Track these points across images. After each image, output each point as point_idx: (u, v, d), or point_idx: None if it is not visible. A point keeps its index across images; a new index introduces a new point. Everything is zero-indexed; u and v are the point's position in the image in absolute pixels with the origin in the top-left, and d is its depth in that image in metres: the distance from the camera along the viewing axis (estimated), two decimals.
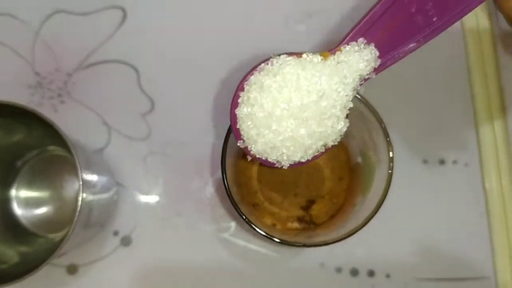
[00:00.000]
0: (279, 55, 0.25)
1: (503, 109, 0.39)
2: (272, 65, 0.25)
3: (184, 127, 0.38)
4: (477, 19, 0.40)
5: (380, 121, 0.30)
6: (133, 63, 0.39)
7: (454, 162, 0.39)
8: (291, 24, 0.40)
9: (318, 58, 0.25)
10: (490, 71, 0.39)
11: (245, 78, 0.25)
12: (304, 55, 0.25)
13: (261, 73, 0.25)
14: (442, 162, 0.39)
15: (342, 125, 0.26)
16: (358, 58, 0.25)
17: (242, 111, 0.25)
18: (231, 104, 0.26)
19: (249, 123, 0.25)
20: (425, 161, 0.39)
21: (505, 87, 0.39)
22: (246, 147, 0.26)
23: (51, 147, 0.36)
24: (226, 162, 0.29)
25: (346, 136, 0.35)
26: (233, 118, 0.26)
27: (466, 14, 0.24)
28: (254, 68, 0.25)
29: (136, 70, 0.39)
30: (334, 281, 0.37)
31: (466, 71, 0.40)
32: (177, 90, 0.39)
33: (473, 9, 0.24)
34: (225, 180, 0.28)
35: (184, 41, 0.39)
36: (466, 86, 0.40)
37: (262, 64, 0.25)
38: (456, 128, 0.39)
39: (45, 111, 0.37)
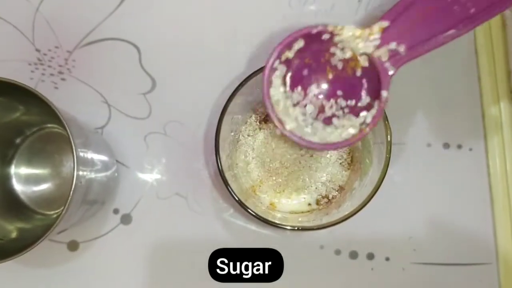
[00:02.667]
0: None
1: (510, 93, 0.38)
2: None
3: (185, 106, 0.38)
4: None
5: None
6: (135, 41, 0.38)
7: (459, 146, 0.38)
8: (295, 3, 0.39)
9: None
10: (498, 53, 0.38)
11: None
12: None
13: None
14: (446, 146, 0.38)
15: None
16: None
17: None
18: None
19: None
20: (429, 145, 0.38)
21: None
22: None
23: (50, 125, 0.36)
24: (221, 146, 0.29)
25: None
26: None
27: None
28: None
29: (137, 48, 0.38)
30: (333, 263, 0.37)
31: (474, 54, 0.39)
32: (178, 69, 0.38)
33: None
34: (219, 163, 0.28)
35: (186, 19, 0.39)
36: (473, 69, 0.39)
37: None
38: (462, 112, 0.39)
39: (46, 88, 0.38)
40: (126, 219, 0.37)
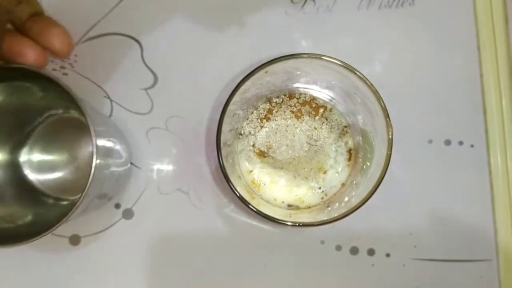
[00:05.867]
0: None
1: None
2: None
3: (187, 102, 0.38)
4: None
5: (380, 100, 0.29)
6: (137, 36, 0.38)
7: (460, 143, 0.38)
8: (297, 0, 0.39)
9: None
10: (501, 48, 0.38)
11: None
12: None
13: None
14: (447, 142, 0.38)
15: None
16: None
17: None
18: None
19: None
20: (430, 141, 0.38)
21: None
22: None
23: (63, 110, 0.36)
24: (222, 143, 0.29)
25: (349, 116, 0.35)
26: None
27: None
28: None
29: (140, 44, 0.38)
30: (334, 258, 0.37)
31: (476, 49, 0.39)
32: (180, 64, 0.38)
33: None
34: (221, 160, 0.28)
35: (188, 15, 0.39)
36: (475, 65, 0.39)
37: None
38: (463, 108, 0.39)
39: None
40: (128, 214, 0.37)
